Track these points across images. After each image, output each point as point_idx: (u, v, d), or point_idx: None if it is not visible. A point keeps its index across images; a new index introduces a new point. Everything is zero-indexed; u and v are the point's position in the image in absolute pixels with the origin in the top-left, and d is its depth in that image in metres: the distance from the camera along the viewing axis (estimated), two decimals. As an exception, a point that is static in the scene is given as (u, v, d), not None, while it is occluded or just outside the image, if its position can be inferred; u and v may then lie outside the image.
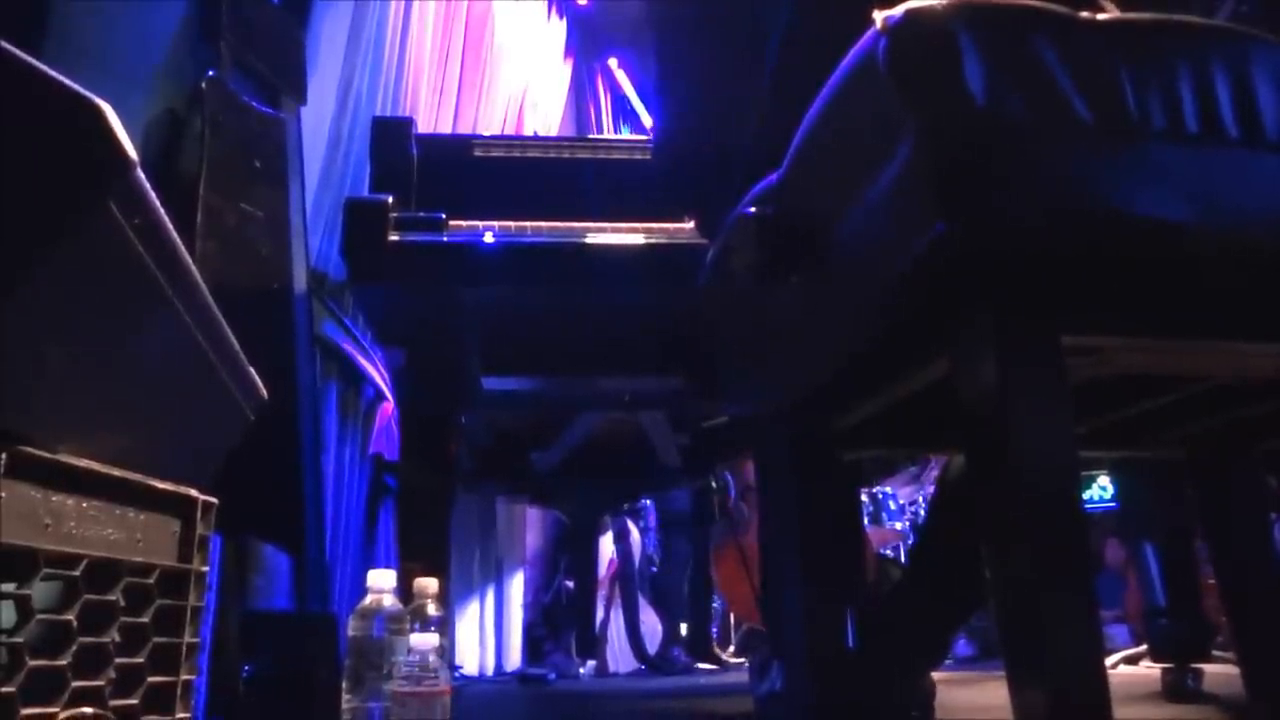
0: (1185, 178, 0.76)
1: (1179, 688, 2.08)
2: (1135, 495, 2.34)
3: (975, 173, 0.72)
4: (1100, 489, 5.09)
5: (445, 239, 1.79)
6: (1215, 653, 2.19)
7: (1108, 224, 0.73)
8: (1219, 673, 2.11)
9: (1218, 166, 0.77)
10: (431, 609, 1.32)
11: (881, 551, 4.06)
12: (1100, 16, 0.78)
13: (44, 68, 0.59)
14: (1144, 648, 2.64)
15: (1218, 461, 1.13)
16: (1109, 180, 0.74)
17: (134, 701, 0.83)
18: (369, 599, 1.25)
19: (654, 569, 4.22)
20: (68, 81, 0.60)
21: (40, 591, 0.70)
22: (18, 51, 0.58)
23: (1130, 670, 2.79)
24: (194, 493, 0.94)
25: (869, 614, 1.24)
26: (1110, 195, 0.73)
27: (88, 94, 0.61)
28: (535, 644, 3.85)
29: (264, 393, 1.06)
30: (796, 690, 1.37)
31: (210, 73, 1.85)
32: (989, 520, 0.74)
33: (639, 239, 1.87)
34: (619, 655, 3.90)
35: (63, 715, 0.72)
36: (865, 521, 4.18)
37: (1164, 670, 2.14)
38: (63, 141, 0.61)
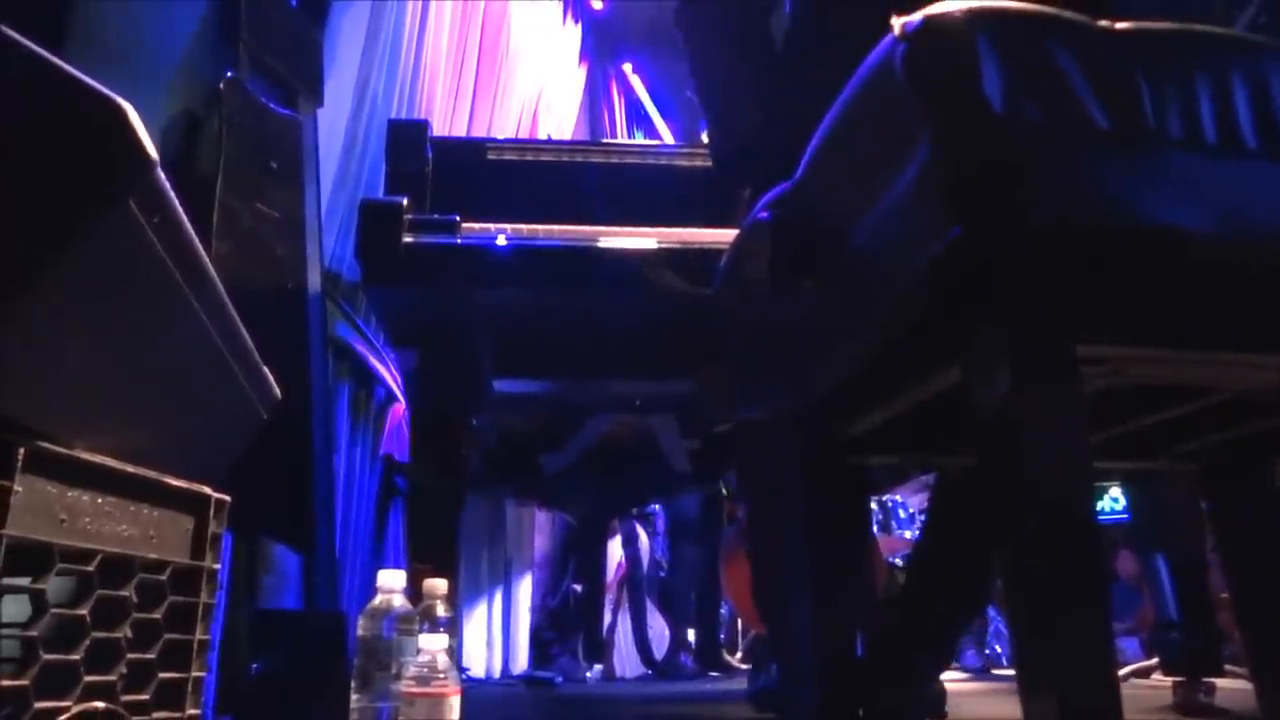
0: (1202, 187, 0.75)
1: (1191, 702, 2.06)
2: (1148, 507, 2.33)
3: (991, 178, 0.72)
4: (1112, 500, 5.06)
5: (459, 241, 1.80)
6: (1228, 667, 2.17)
7: (1123, 232, 0.73)
8: (1231, 687, 2.09)
9: (1235, 176, 0.77)
10: (441, 610, 1.32)
11: (891, 560, 4.04)
12: (1118, 25, 0.78)
13: (68, 68, 0.60)
14: (1156, 661, 2.61)
15: (1232, 474, 1.12)
16: (1125, 188, 0.73)
17: (145, 697, 0.83)
18: (378, 599, 1.26)
19: (662, 574, 4.21)
20: (91, 81, 0.61)
21: (54, 586, 0.71)
22: (43, 51, 0.59)
23: (1142, 683, 2.77)
24: (207, 490, 0.94)
25: (877, 622, 1.23)
26: (1127, 203, 0.73)
27: (111, 94, 0.62)
28: (542, 647, 3.85)
29: (278, 392, 1.06)
30: (804, 697, 1.36)
31: (228, 74, 1.86)
32: (1002, 530, 0.73)
33: (651, 243, 1.87)
34: (626, 660, 3.89)
35: (75, 709, 0.72)
36: (875, 529, 4.16)
37: (1176, 684, 2.12)
38: (85, 140, 0.62)
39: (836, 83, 0.90)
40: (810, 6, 1.31)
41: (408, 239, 1.77)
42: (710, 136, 1.66)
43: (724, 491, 3.43)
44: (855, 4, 1.13)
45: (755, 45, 1.40)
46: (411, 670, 1.12)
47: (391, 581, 1.27)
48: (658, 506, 4.14)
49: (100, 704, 0.76)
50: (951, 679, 3.34)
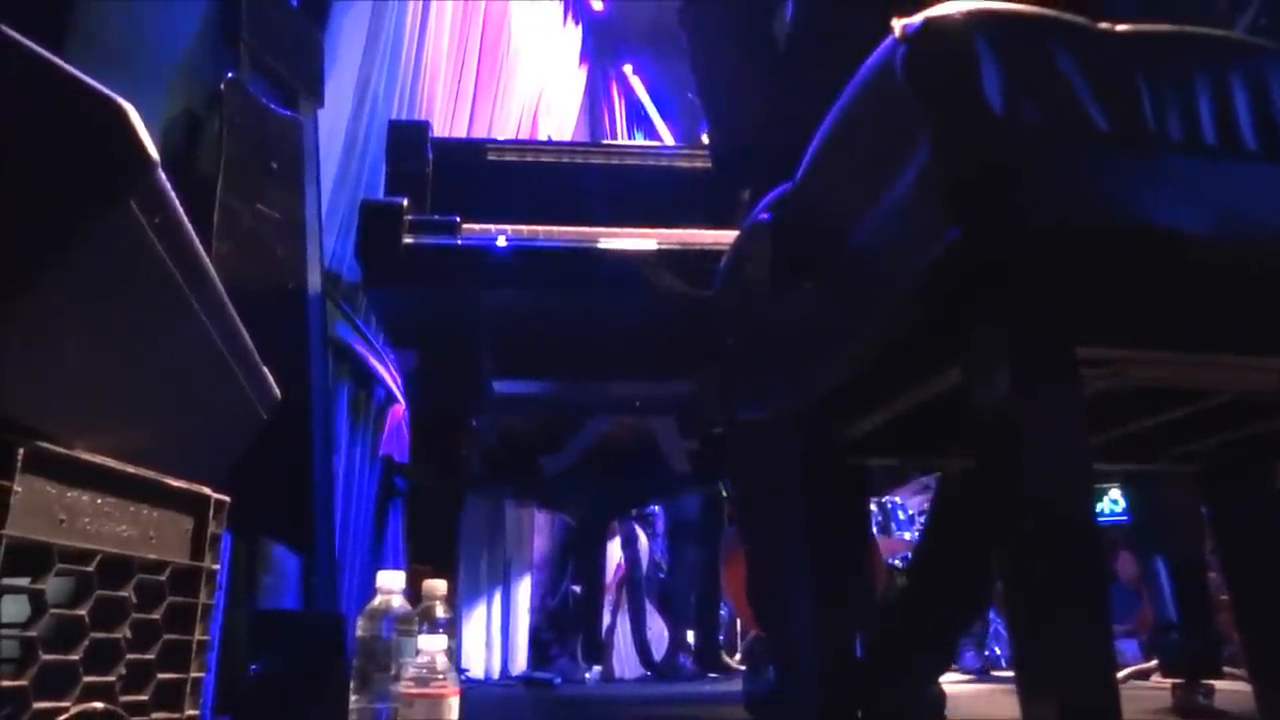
0: (1202, 189, 0.75)
1: (1190, 704, 2.06)
2: (1148, 509, 2.33)
3: (991, 180, 0.72)
4: (1111, 502, 5.07)
5: (459, 242, 1.80)
6: (1227, 669, 2.17)
7: (1123, 234, 0.73)
8: (1230, 689, 2.09)
9: (1235, 179, 0.77)
10: (440, 611, 1.32)
11: (890, 561, 4.04)
12: (1118, 27, 0.78)
13: (69, 68, 0.60)
14: (1155, 663, 2.61)
15: (1232, 476, 1.12)
16: (1125, 190, 0.73)
17: (144, 697, 0.83)
18: (378, 600, 1.26)
19: (661, 575, 4.21)
20: (92, 81, 0.61)
21: (54, 586, 0.71)
22: (44, 51, 0.59)
23: (1141, 685, 2.77)
24: (207, 491, 0.94)
25: (876, 623, 1.23)
26: (1126, 205, 0.73)
27: (111, 94, 0.62)
28: (541, 648, 3.85)
29: (278, 393, 1.06)
30: (804, 700, 1.36)
31: (229, 74, 1.87)
32: (1002, 531, 0.73)
33: (651, 244, 1.87)
34: (625, 661, 3.89)
35: (74, 710, 0.72)
36: (874, 531, 4.16)
37: (1175, 686, 2.12)
38: (86, 140, 0.62)
39: (838, 84, 0.90)
40: (812, 9, 1.31)
41: (408, 240, 1.77)
42: (711, 136, 1.66)
43: (724, 493, 3.44)
44: (856, 6, 1.14)
45: (758, 46, 1.40)
46: (410, 671, 1.12)
47: (391, 582, 1.27)
48: (657, 508, 4.14)
49: (99, 704, 0.76)
50: (951, 681, 3.34)
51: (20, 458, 0.66)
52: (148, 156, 0.65)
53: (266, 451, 1.15)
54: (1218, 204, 0.76)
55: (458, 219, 1.82)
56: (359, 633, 1.25)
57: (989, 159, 0.72)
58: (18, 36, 0.58)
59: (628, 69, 5.54)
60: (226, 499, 0.97)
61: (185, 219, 0.75)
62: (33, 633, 0.68)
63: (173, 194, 0.72)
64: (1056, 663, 0.67)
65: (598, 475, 3.00)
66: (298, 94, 2.13)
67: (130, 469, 0.80)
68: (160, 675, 0.86)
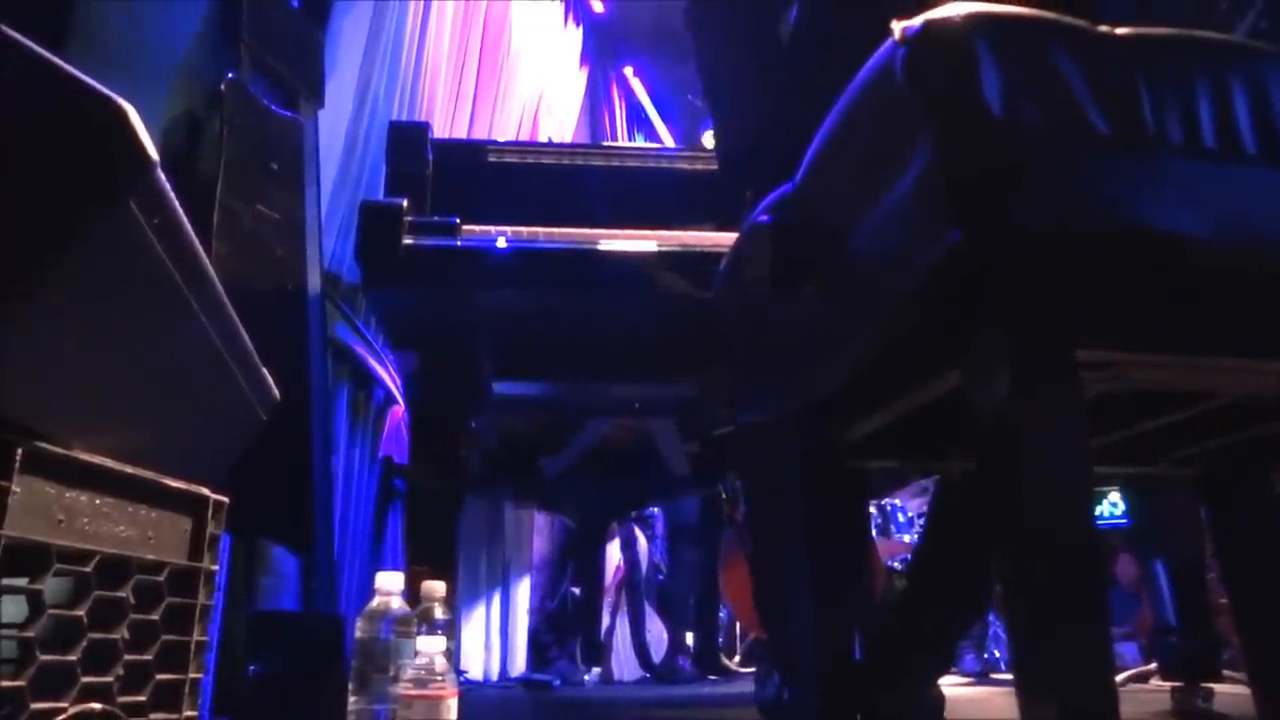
0: (1201, 192, 0.75)
1: (1189, 707, 2.06)
2: (1147, 512, 2.33)
3: (991, 182, 0.72)
4: (1111, 504, 5.07)
5: (459, 244, 1.80)
6: (1226, 672, 2.17)
7: (1123, 237, 0.73)
8: (1230, 692, 2.09)
9: (1234, 182, 0.77)
10: (439, 612, 1.32)
11: (890, 564, 4.03)
12: (1118, 30, 0.78)
13: (69, 68, 0.60)
14: (1154, 666, 2.61)
15: (1231, 479, 1.12)
16: (1125, 193, 0.73)
17: (142, 698, 0.83)
18: (376, 601, 1.26)
19: (661, 577, 4.21)
20: (92, 82, 0.61)
21: (52, 587, 0.71)
22: (44, 51, 0.59)
23: (1140, 688, 2.77)
24: (206, 491, 0.94)
25: (876, 626, 1.23)
26: (1126, 208, 0.73)
27: (111, 94, 0.62)
28: (540, 650, 3.85)
29: (277, 394, 1.06)
30: (803, 702, 1.36)
31: (230, 75, 1.87)
32: (1002, 534, 0.73)
33: (652, 246, 1.87)
34: (624, 663, 3.89)
35: (72, 710, 0.72)
36: (874, 533, 4.16)
37: (1174, 689, 2.12)
38: (86, 140, 0.62)
39: (840, 86, 0.91)
40: (815, 9, 1.31)
41: (408, 241, 1.77)
42: (717, 137, 1.66)
43: (723, 495, 3.43)
44: (859, 8, 1.14)
45: (764, 46, 1.40)
46: (409, 672, 1.12)
47: (389, 583, 1.26)
48: (657, 510, 4.14)
49: (97, 705, 0.75)
50: (950, 683, 3.34)
51: (19, 458, 0.66)
52: (148, 157, 0.65)
53: (266, 452, 1.14)
54: (1217, 207, 0.76)
55: (458, 220, 1.82)
56: (358, 634, 1.25)
57: (989, 161, 0.72)
58: (18, 36, 0.58)
59: (628, 71, 5.55)
60: (225, 500, 0.97)
61: (185, 219, 0.75)
62: (31, 633, 0.68)
63: (173, 194, 0.71)
64: (1056, 665, 0.67)
65: (597, 477, 3.00)
66: (298, 95, 2.13)
67: (129, 469, 0.80)
68: (158, 676, 0.86)
